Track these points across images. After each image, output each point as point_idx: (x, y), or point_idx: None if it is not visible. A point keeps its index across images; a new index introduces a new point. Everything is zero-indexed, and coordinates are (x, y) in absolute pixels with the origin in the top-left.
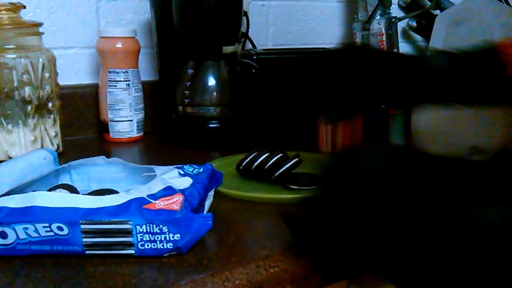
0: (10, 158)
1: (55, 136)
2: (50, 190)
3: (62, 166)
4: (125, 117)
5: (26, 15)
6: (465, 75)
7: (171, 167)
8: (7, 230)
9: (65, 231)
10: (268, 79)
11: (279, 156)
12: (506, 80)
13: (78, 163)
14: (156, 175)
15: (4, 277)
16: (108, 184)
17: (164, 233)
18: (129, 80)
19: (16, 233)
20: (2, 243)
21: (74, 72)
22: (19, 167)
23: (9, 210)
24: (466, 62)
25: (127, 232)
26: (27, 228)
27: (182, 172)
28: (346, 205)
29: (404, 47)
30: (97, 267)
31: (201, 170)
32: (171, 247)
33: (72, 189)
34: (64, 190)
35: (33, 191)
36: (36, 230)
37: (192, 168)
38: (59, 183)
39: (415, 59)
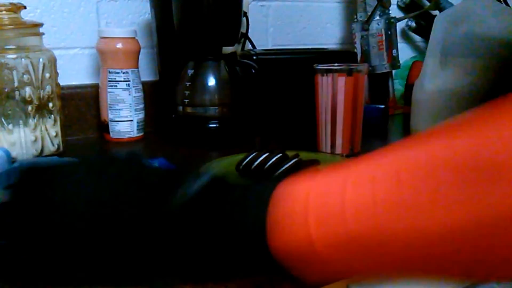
0: None
1: (56, 136)
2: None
3: (13, 165)
4: (125, 117)
5: (27, 16)
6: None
7: None
8: None
9: None
10: (267, 80)
11: (278, 156)
12: None
13: (30, 162)
14: None
15: None
16: None
17: None
18: (129, 80)
19: None
20: None
21: (74, 72)
22: None
23: None
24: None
25: None
26: None
27: None
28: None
29: (403, 48)
30: None
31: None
32: None
33: None
34: None
35: None
36: None
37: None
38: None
39: None
